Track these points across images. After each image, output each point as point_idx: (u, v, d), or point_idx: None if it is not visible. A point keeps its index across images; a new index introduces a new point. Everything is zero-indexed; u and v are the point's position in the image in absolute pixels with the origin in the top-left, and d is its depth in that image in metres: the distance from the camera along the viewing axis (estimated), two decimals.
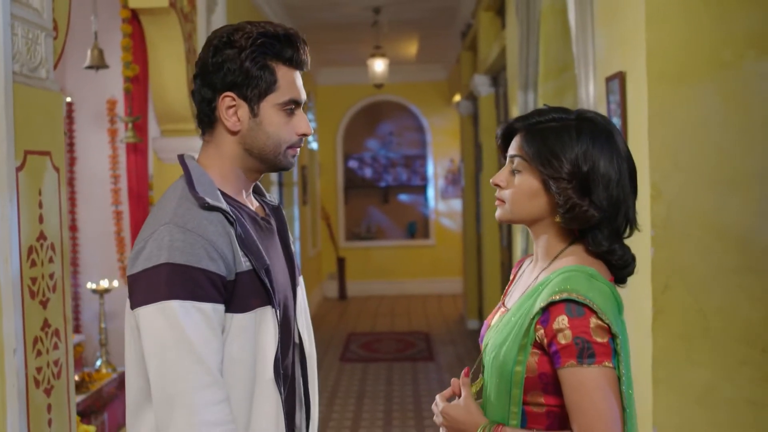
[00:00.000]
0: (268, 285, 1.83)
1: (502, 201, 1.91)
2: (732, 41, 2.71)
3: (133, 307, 1.81)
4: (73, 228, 5.78)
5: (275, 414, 1.84)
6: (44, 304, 2.87)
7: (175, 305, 1.71)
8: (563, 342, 1.74)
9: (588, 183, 1.81)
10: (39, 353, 2.82)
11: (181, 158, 1.93)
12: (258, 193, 2.07)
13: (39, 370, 2.82)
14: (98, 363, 4.91)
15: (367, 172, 13.75)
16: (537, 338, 1.78)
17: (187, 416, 1.70)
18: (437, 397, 1.98)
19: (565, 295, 1.75)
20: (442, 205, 13.46)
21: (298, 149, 1.93)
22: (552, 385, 1.79)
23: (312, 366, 2.07)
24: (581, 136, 1.82)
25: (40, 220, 2.87)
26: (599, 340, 1.73)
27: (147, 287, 1.75)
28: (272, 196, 2.13)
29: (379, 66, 9.46)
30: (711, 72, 2.72)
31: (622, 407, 1.76)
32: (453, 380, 1.98)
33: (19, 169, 2.71)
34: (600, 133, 1.84)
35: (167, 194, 1.89)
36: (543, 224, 1.90)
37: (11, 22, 2.68)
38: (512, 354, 1.81)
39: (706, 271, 2.74)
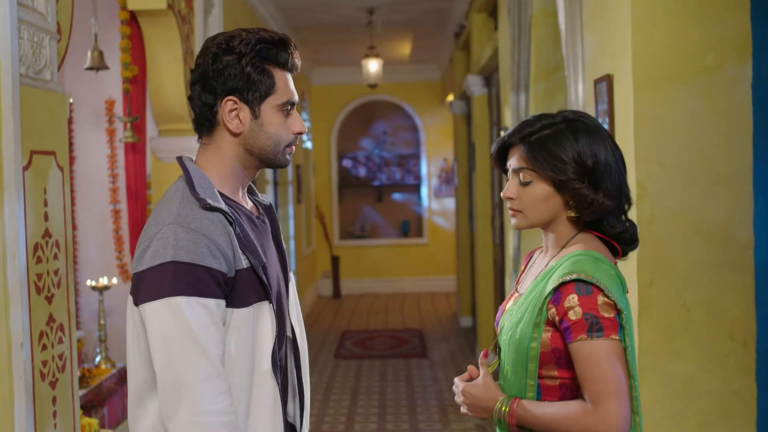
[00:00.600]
0: (265, 281, 1.92)
1: (518, 211, 2.04)
2: (715, 46, 2.80)
3: (138, 303, 1.89)
4: (72, 226, 5.85)
5: (273, 403, 1.93)
6: (49, 299, 2.95)
7: (180, 301, 1.80)
8: (574, 318, 1.89)
9: (596, 176, 1.95)
10: (44, 347, 2.90)
11: (180, 160, 2.01)
12: (251, 192, 2.15)
13: (44, 363, 2.90)
14: (98, 359, 4.99)
15: (361, 171, 13.83)
16: (549, 316, 1.94)
17: (192, 406, 1.79)
18: (456, 379, 2.14)
19: (574, 276, 1.91)
20: (436, 204, 13.53)
21: (294, 147, 2.03)
22: (564, 359, 1.94)
23: (304, 358, 2.15)
24: (577, 136, 1.96)
25: (46, 218, 2.95)
26: (606, 315, 1.89)
27: (153, 284, 1.83)
28: (264, 196, 2.21)
29: (373, 66, 9.54)
30: (694, 76, 2.81)
31: (629, 375, 1.92)
32: (469, 366, 2.14)
33: (25, 168, 2.79)
34: (590, 128, 1.99)
35: (168, 195, 1.97)
36: (556, 221, 2.03)
37: (18, 26, 2.76)
38: (528, 331, 1.96)
39: (690, 267, 2.83)
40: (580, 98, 3.57)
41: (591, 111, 3.33)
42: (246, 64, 1.92)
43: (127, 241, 5.73)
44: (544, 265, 2.06)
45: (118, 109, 5.70)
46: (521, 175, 2.01)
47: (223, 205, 1.90)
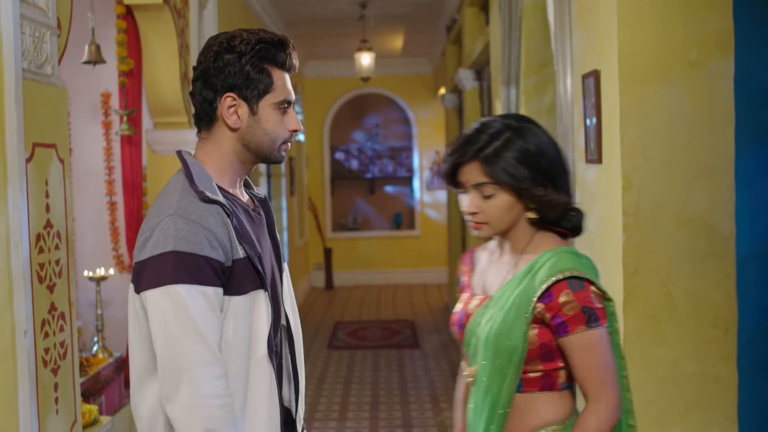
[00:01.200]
0: (261, 271, 2.00)
1: (483, 223, 2.10)
2: (698, 43, 2.87)
3: (139, 290, 1.97)
4: None
5: (269, 388, 2.01)
6: (51, 288, 3.02)
7: (180, 289, 1.88)
8: (571, 313, 1.98)
9: (552, 176, 2.04)
10: (46, 335, 2.98)
11: (180, 154, 2.09)
12: (246, 186, 2.22)
13: (47, 350, 2.97)
14: (95, 348, 5.06)
15: (354, 164, 13.88)
16: (537, 314, 2.01)
17: (190, 389, 1.87)
18: None
19: (567, 274, 2.00)
20: (428, 197, 13.59)
21: (289, 144, 2.11)
22: (551, 352, 2.04)
23: (299, 344, 2.23)
24: (527, 141, 2.04)
25: (47, 209, 3.02)
26: (599, 305, 2.02)
27: (154, 273, 1.91)
28: (260, 189, 2.29)
29: (365, 60, 9.59)
30: (679, 71, 2.88)
31: (619, 356, 2.08)
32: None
33: (27, 160, 2.86)
34: (532, 128, 2.08)
35: (168, 188, 2.05)
36: (516, 225, 2.11)
37: (20, 22, 2.83)
38: (517, 331, 2.02)
39: (673, 256, 2.91)
40: (569, 93, 3.65)
41: (579, 105, 3.41)
42: (245, 63, 2.00)
43: (123, 233, 5.79)
44: (513, 266, 2.12)
45: (114, 102, 5.75)
46: (483, 189, 2.06)
47: (221, 198, 1.97)
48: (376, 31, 9.85)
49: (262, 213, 2.20)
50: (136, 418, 2.01)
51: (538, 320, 2.03)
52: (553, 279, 2.00)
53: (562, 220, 2.11)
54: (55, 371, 3.03)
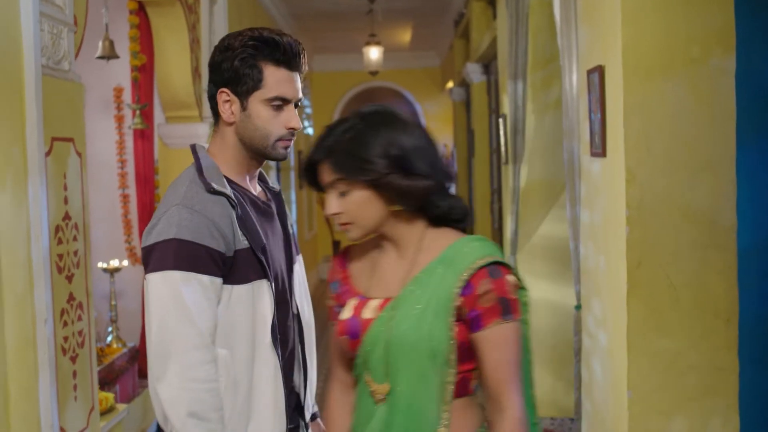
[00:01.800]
0: (264, 261, 2.06)
1: (349, 223, 1.96)
2: (700, 39, 2.92)
3: (145, 274, 2.06)
4: None
5: (273, 374, 2.08)
6: (69, 278, 3.11)
7: (177, 275, 1.95)
8: (488, 305, 1.86)
9: (406, 163, 1.89)
10: (65, 324, 3.06)
11: (193, 147, 2.16)
12: (262, 179, 2.29)
13: (66, 339, 3.06)
14: (109, 338, 5.15)
15: None
16: (456, 310, 1.87)
17: (179, 372, 1.94)
18: None
19: (489, 259, 1.89)
20: None
21: (290, 142, 2.13)
22: (466, 351, 1.89)
23: (309, 333, 2.31)
24: (377, 129, 1.91)
25: (65, 201, 3.10)
26: (514, 296, 1.90)
27: (157, 258, 1.99)
28: (275, 183, 2.36)
29: (374, 54, 9.65)
30: (681, 67, 2.93)
31: (525, 350, 1.97)
32: None
33: (46, 154, 2.94)
34: (387, 117, 1.96)
35: (180, 178, 2.12)
36: (389, 221, 1.96)
37: (39, 19, 2.90)
38: (437, 331, 1.87)
39: (676, 249, 2.96)
40: (574, 88, 3.71)
41: (584, 100, 3.47)
42: (235, 59, 2.06)
43: (135, 225, 5.87)
44: (411, 264, 1.96)
45: (126, 96, 5.83)
46: (337, 187, 1.94)
47: (226, 189, 2.04)
48: (384, 25, 9.91)
49: (273, 206, 2.25)
50: (155, 402, 2.09)
51: (457, 316, 1.88)
52: (474, 267, 1.87)
53: (430, 208, 1.95)
54: (73, 359, 3.12)
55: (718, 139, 2.93)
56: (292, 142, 2.14)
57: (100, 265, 5.22)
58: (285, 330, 2.16)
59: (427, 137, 1.98)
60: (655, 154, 2.96)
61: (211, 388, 1.97)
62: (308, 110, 12.21)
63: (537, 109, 5.60)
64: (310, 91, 12.66)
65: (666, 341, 2.99)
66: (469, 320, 1.88)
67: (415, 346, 1.89)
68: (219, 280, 2.01)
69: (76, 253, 3.17)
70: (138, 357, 5.38)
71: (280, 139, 2.09)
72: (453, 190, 2.08)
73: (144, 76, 5.37)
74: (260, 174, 2.28)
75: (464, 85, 9.37)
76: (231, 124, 2.10)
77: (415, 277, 1.94)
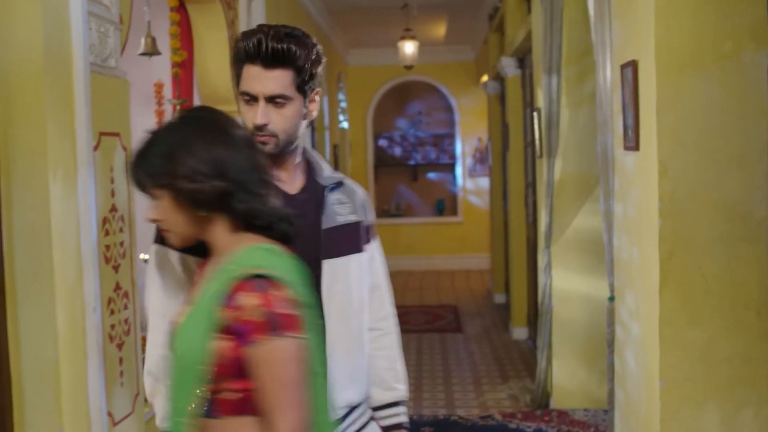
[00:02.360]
0: None
1: (167, 230, 1.92)
2: (733, 35, 2.96)
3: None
4: None
5: None
6: (116, 268, 3.22)
7: (154, 247, 2.14)
8: (254, 318, 1.74)
9: (184, 167, 1.82)
10: (112, 312, 3.18)
11: None
12: (315, 171, 2.26)
13: (113, 327, 3.17)
14: None
15: (397, 151, 14.02)
16: (223, 321, 1.77)
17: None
18: None
19: (253, 272, 1.77)
20: (470, 183, 13.69)
21: (263, 137, 2.07)
22: (237, 367, 1.78)
23: (335, 330, 2.17)
24: (157, 137, 1.87)
25: (112, 194, 3.21)
26: (287, 311, 1.76)
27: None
28: (328, 176, 2.26)
29: (409, 48, 9.71)
30: (713, 62, 2.98)
31: (312, 372, 1.83)
32: None
33: (94, 149, 3.05)
34: (172, 122, 1.93)
35: None
36: (206, 226, 1.90)
37: (87, 18, 3.01)
38: (196, 342, 1.79)
39: (708, 240, 3.00)
40: (608, 82, 3.76)
41: (618, 95, 3.52)
42: (233, 56, 2.15)
43: None
44: (212, 271, 1.91)
45: (167, 91, 5.95)
46: (150, 194, 1.89)
47: None
48: (419, 19, 9.96)
49: (309, 200, 2.21)
50: None
51: (225, 329, 1.77)
52: (239, 277, 1.77)
53: (230, 212, 1.88)
54: (120, 346, 3.23)
55: (749, 133, 2.97)
56: (269, 138, 2.09)
57: (142, 256, 5.34)
58: None
59: (230, 140, 1.88)
60: (688, 148, 3.00)
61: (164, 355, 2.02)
62: (343, 104, 12.29)
63: (571, 103, 5.64)
64: (345, 85, 12.73)
65: (697, 332, 3.04)
66: (235, 334, 1.77)
67: (182, 357, 1.83)
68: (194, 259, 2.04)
69: (122, 244, 3.28)
70: None
71: (254, 134, 2.08)
72: (266, 199, 1.92)
73: (184, 71, 5.48)
74: (315, 165, 2.27)
75: (499, 78, 9.40)
76: None
77: (202, 284, 1.91)
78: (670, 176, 3.01)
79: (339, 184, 2.28)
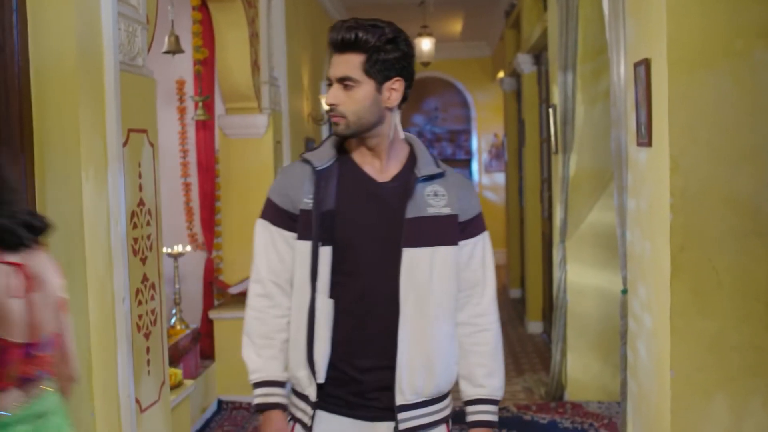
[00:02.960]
0: (318, 224, 2.25)
1: None
2: (744, 33, 3.03)
3: None
4: None
5: (325, 325, 2.27)
6: (143, 261, 3.33)
7: (258, 221, 2.36)
8: None
9: None
10: (140, 303, 3.29)
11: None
12: (417, 163, 2.36)
13: (140, 317, 3.29)
14: (173, 320, 5.39)
15: None
16: None
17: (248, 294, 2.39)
18: None
19: None
20: (486, 179, 13.75)
21: (334, 117, 2.26)
22: None
23: (411, 321, 2.27)
24: None
25: (140, 188, 3.32)
26: None
27: None
28: (425, 169, 2.34)
29: (425, 45, 9.78)
30: (725, 60, 3.04)
31: None
32: None
33: (123, 144, 3.16)
34: None
35: None
36: None
37: (117, 19, 3.12)
38: None
39: (718, 234, 3.07)
40: (622, 80, 3.83)
41: (631, 92, 3.59)
42: None
43: (197, 212, 6.11)
44: None
45: (188, 88, 6.07)
46: None
47: (314, 161, 2.30)
48: (435, 16, 10.03)
49: (397, 190, 2.31)
50: None
51: None
52: None
53: None
54: (147, 336, 3.34)
55: (759, 129, 3.03)
56: (339, 119, 2.25)
57: (165, 250, 5.46)
58: (351, 301, 2.29)
59: None
60: (699, 144, 3.07)
61: (257, 317, 2.34)
62: None
63: (586, 99, 5.71)
64: None
65: (708, 323, 3.10)
66: None
67: None
68: (285, 232, 2.31)
69: (149, 237, 3.39)
70: (200, 338, 5.63)
71: (329, 114, 2.29)
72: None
73: (206, 69, 5.59)
74: (417, 158, 2.37)
75: (515, 75, 9.45)
76: None
77: None
78: (681, 172, 3.08)
79: (437, 177, 2.36)
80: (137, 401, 3.21)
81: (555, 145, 6.13)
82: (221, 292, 6.07)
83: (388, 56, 2.25)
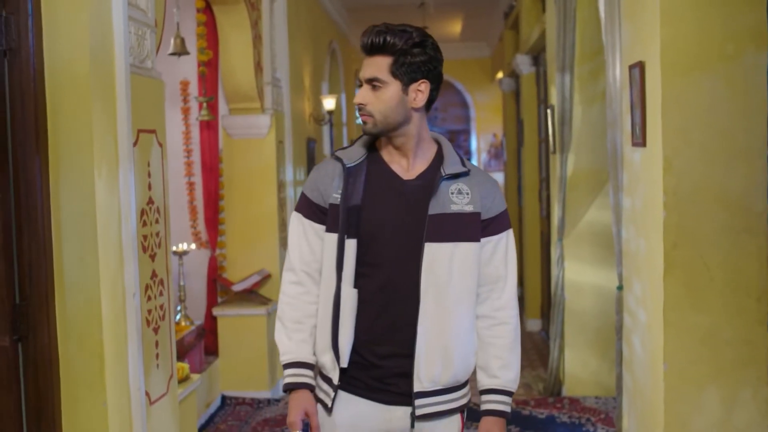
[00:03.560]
0: (344, 218, 2.39)
1: None
2: (735, 37, 3.13)
3: None
4: None
5: (349, 314, 2.41)
6: (152, 257, 3.42)
7: (294, 213, 2.53)
8: None
9: None
10: (149, 298, 3.38)
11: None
12: (443, 162, 2.45)
13: (149, 312, 3.37)
14: (178, 317, 5.49)
15: None
16: None
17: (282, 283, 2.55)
18: None
19: None
20: None
21: (362, 117, 2.40)
22: None
23: (431, 317, 2.38)
24: None
25: (149, 187, 3.41)
26: None
27: None
28: (451, 167, 2.43)
29: None
30: (716, 63, 3.14)
31: None
32: None
33: (134, 144, 3.25)
34: None
35: None
36: None
37: (127, 23, 3.21)
38: None
39: (710, 232, 3.17)
40: (618, 81, 3.94)
41: (626, 94, 3.69)
42: None
43: (200, 212, 6.20)
44: None
45: (192, 89, 6.16)
46: None
47: (344, 159, 2.44)
48: (435, 17, 10.14)
49: (420, 186, 2.42)
50: None
51: None
52: None
53: None
54: (156, 330, 3.43)
55: (750, 130, 3.14)
56: (367, 117, 2.39)
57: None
58: (373, 291, 2.41)
59: None
60: (692, 145, 3.18)
61: (289, 302, 2.49)
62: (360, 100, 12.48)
63: (584, 100, 5.81)
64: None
65: (700, 317, 3.21)
66: None
67: None
68: (315, 224, 2.47)
69: (158, 234, 3.48)
70: (204, 334, 5.72)
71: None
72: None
73: (210, 70, 5.69)
74: (444, 157, 2.47)
75: (514, 75, 9.52)
76: None
77: None
78: (674, 171, 3.19)
79: (462, 175, 2.45)
80: (147, 394, 3.29)
81: (553, 145, 6.22)
82: (225, 290, 6.17)
83: (414, 59, 2.36)
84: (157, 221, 3.49)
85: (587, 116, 5.82)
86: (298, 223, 2.51)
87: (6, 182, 2.83)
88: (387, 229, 2.41)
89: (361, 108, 2.39)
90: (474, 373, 2.52)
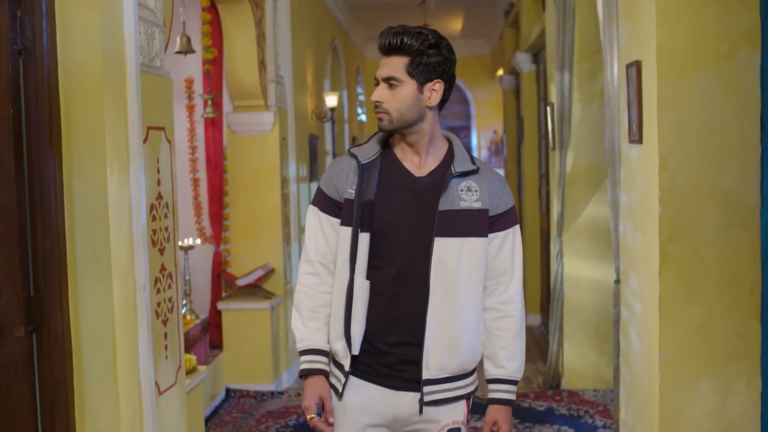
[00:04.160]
0: (358, 213, 2.49)
1: None
2: (729, 36, 3.21)
3: None
4: None
5: (362, 304, 2.51)
6: (162, 251, 3.51)
7: (310, 207, 2.64)
8: None
9: None
10: (158, 291, 3.47)
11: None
12: (454, 161, 2.55)
13: (159, 304, 3.46)
14: (183, 311, 5.58)
15: None
16: None
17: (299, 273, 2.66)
18: None
19: None
20: None
21: (378, 113, 2.50)
22: None
23: (440, 310, 2.49)
24: None
25: (158, 183, 3.50)
26: None
27: None
28: (461, 165, 2.54)
29: None
30: (711, 62, 3.22)
31: None
32: None
33: (144, 141, 3.34)
34: None
35: None
36: None
37: (138, 23, 3.29)
38: None
39: (704, 226, 3.25)
40: (615, 80, 4.02)
41: (624, 92, 3.78)
42: None
43: (205, 207, 6.29)
44: None
45: (197, 86, 6.24)
46: None
47: (359, 156, 2.54)
48: (436, 14, 10.20)
49: (431, 184, 2.52)
50: None
51: None
52: None
53: None
54: (165, 322, 3.52)
55: (743, 127, 3.22)
56: (383, 115, 2.49)
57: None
58: (385, 283, 2.52)
59: None
60: (687, 142, 3.26)
61: (305, 292, 2.59)
62: (361, 97, 12.56)
63: (583, 98, 5.89)
64: (364, 78, 13.00)
65: (694, 310, 3.29)
66: None
67: None
68: (331, 218, 2.56)
69: (166, 229, 3.57)
70: (209, 328, 5.82)
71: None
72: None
73: (214, 68, 5.77)
74: (455, 155, 2.57)
75: (514, 73, 9.58)
76: None
77: None
78: (669, 168, 3.27)
79: (471, 173, 2.55)
80: (156, 384, 3.38)
81: (552, 141, 6.30)
82: (229, 284, 6.26)
83: (430, 60, 2.48)
84: (165, 216, 3.57)
85: (586, 114, 5.91)
86: (314, 216, 2.61)
87: (21, 178, 2.92)
88: (399, 224, 2.51)
89: (377, 105, 2.50)
90: (481, 362, 2.63)
